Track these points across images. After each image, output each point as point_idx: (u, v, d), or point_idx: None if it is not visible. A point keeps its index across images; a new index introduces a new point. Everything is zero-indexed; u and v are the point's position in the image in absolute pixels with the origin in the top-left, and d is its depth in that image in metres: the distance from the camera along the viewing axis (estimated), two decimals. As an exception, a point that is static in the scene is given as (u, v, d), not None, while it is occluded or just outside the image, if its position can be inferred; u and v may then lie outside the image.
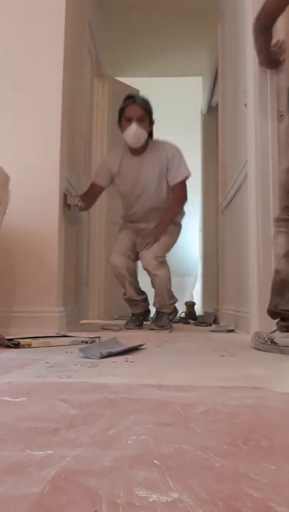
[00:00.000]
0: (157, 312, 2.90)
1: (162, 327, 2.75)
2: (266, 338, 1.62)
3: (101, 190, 2.95)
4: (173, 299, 2.89)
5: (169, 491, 0.43)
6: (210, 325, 3.24)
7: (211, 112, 4.81)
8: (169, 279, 2.83)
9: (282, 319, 1.63)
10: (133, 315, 3.01)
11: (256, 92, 2.16)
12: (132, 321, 2.94)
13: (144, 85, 4.25)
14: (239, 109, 2.68)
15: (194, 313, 3.72)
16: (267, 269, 2.04)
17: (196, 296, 5.50)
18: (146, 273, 2.87)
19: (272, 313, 1.67)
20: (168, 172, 2.84)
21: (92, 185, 2.94)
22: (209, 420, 0.69)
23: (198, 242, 5.64)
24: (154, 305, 2.90)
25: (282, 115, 2.09)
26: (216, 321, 3.39)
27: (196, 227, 5.66)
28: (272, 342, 1.58)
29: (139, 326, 2.92)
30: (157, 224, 2.83)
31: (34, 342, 1.69)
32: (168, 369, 1.21)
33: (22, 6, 2.47)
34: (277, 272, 1.65)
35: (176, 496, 0.42)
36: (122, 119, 2.78)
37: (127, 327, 2.85)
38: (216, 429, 0.64)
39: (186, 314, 3.67)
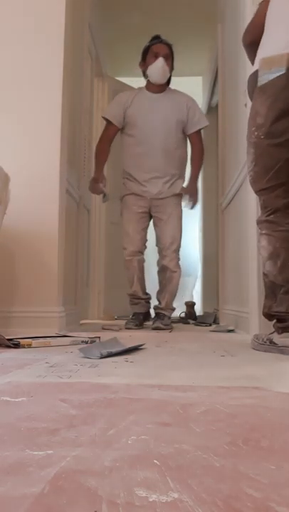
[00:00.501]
0: (158, 314, 2.91)
1: (166, 325, 2.78)
2: (265, 339, 1.62)
3: (115, 131, 2.90)
4: (173, 305, 2.97)
5: (169, 491, 0.43)
6: (210, 325, 3.24)
7: (211, 112, 4.81)
8: None
9: (278, 321, 1.62)
10: (133, 314, 2.97)
11: (256, 92, 2.16)
12: (132, 320, 2.91)
13: (144, 85, 4.24)
14: (239, 109, 2.68)
15: (194, 313, 3.72)
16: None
17: (196, 296, 5.50)
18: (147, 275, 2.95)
19: (268, 315, 1.67)
20: (189, 119, 2.87)
21: (107, 127, 2.91)
22: (209, 420, 0.69)
23: (198, 242, 5.64)
24: (156, 307, 2.92)
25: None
26: (216, 321, 3.39)
27: (196, 227, 5.66)
28: (271, 342, 1.58)
29: (139, 326, 2.87)
30: (191, 180, 2.93)
31: (34, 342, 1.69)
32: (168, 369, 1.21)
33: (22, 6, 2.47)
34: (265, 275, 1.64)
35: (176, 495, 0.42)
36: (148, 56, 2.85)
37: (126, 327, 2.82)
38: (216, 429, 0.64)
39: (186, 314, 3.67)
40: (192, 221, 5.69)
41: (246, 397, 0.85)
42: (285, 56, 1.49)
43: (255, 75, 1.60)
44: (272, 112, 1.53)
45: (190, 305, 3.75)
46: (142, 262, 2.92)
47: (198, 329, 2.95)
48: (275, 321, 1.65)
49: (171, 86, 3.00)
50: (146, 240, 2.98)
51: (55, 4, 2.45)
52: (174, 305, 2.97)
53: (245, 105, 2.32)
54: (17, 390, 0.91)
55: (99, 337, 1.86)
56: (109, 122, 2.90)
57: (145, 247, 2.99)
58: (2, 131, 2.38)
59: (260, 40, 1.68)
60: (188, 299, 4.17)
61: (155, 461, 0.52)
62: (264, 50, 1.59)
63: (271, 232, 1.60)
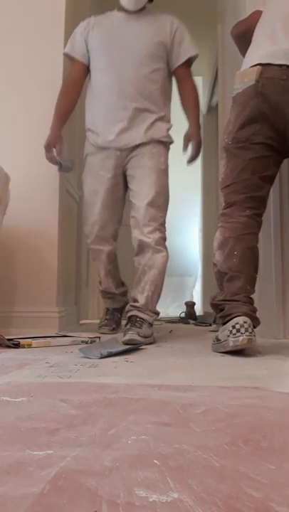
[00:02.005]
0: (132, 318, 1.88)
1: (146, 338, 1.81)
2: (214, 338, 1.59)
3: (81, 69, 2.13)
4: (156, 309, 2.00)
5: (169, 491, 0.43)
6: (210, 325, 3.23)
7: (211, 111, 4.81)
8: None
9: (220, 310, 1.58)
10: (107, 312, 2.36)
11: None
12: (107, 322, 2.30)
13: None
14: (239, 109, 2.68)
15: (194, 313, 3.72)
16: (266, 269, 2.04)
17: (196, 296, 5.50)
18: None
19: (212, 305, 1.65)
20: (174, 44, 2.12)
21: (71, 68, 2.17)
22: (209, 420, 0.69)
23: (198, 242, 5.64)
24: (131, 306, 1.94)
25: None
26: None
27: (196, 227, 5.66)
28: (218, 340, 1.55)
29: (116, 329, 2.27)
30: (192, 125, 2.11)
31: (34, 342, 1.69)
32: (168, 369, 1.21)
33: (22, 6, 2.47)
34: (214, 264, 1.65)
35: (176, 495, 0.42)
36: None
37: (101, 331, 2.21)
38: (216, 429, 0.64)
39: (186, 314, 3.67)
40: (192, 221, 5.70)
41: (246, 397, 0.85)
42: (255, 69, 1.60)
43: None
44: (239, 119, 1.63)
45: (190, 305, 3.75)
46: (112, 254, 2.17)
47: (198, 329, 2.94)
48: (219, 312, 1.60)
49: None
50: (120, 220, 2.19)
51: (55, 4, 2.45)
52: (174, 305, 2.78)
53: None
54: (17, 390, 0.91)
55: (99, 337, 1.86)
56: (72, 60, 2.17)
57: (116, 236, 2.20)
58: (2, 131, 2.38)
59: (244, 34, 1.84)
60: (188, 299, 4.17)
61: (155, 461, 0.52)
62: (244, 64, 1.71)
63: (224, 223, 1.65)
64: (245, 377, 1.07)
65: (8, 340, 1.66)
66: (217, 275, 1.63)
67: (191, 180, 5.30)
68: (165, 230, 2.05)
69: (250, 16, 1.88)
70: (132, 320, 1.86)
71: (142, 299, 1.91)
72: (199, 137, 2.09)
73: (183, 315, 3.65)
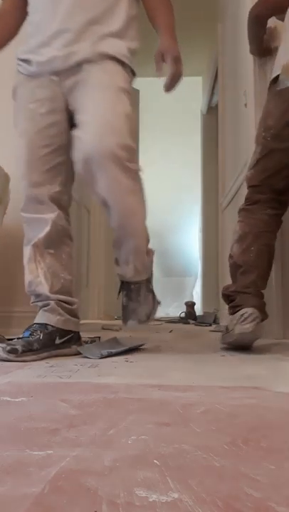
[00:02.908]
0: (127, 285, 1.55)
1: (148, 318, 1.56)
2: (224, 328, 1.62)
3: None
4: (150, 252, 1.57)
5: (169, 491, 0.43)
6: (210, 325, 3.24)
7: (211, 111, 4.81)
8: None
9: (231, 301, 1.61)
10: (26, 332, 1.42)
11: (256, 92, 2.16)
12: (15, 342, 1.37)
13: (145, 85, 4.24)
14: (239, 109, 2.68)
15: (194, 313, 3.72)
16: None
17: (196, 296, 5.50)
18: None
19: (224, 295, 1.68)
20: None
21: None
22: (209, 420, 0.69)
23: (198, 242, 5.64)
24: (122, 274, 1.54)
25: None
26: (216, 321, 3.39)
27: (196, 227, 5.66)
28: (227, 330, 1.57)
29: (20, 353, 1.31)
30: (164, 35, 1.55)
31: (34, 342, 1.68)
32: (168, 369, 1.21)
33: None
34: (230, 256, 1.68)
35: (176, 496, 0.42)
36: None
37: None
38: (216, 429, 0.64)
39: (186, 314, 3.67)
40: (192, 221, 5.70)
41: (246, 397, 0.85)
42: None
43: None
44: (285, 117, 1.58)
45: (190, 305, 3.75)
46: (58, 225, 1.49)
47: (198, 329, 2.95)
48: (230, 303, 1.63)
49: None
50: (66, 183, 1.54)
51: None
52: (174, 305, 2.86)
53: (245, 105, 2.33)
54: (17, 390, 0.91)
55: (99, 337, 1.86)
56: None
57: (63, 196, 1.52)
58: (2, 130, 2.38)
59: (265, 17, 1.79)
60: (188, 299, 4.17)
61: (155, 461, 0.52)
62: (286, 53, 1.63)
63: (245, 219, 1.67)
64: (245, 377, 1.07)
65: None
66: (232, 267, 1.66)
67: (191, 180, 5.31)
68: (131, 153, 1.43)
69: None
70: (125, 287, 1.54)
71: (130, 272, 1.52)
72: (176, 51, 1.49)
73: (183, 315, 3.66)
